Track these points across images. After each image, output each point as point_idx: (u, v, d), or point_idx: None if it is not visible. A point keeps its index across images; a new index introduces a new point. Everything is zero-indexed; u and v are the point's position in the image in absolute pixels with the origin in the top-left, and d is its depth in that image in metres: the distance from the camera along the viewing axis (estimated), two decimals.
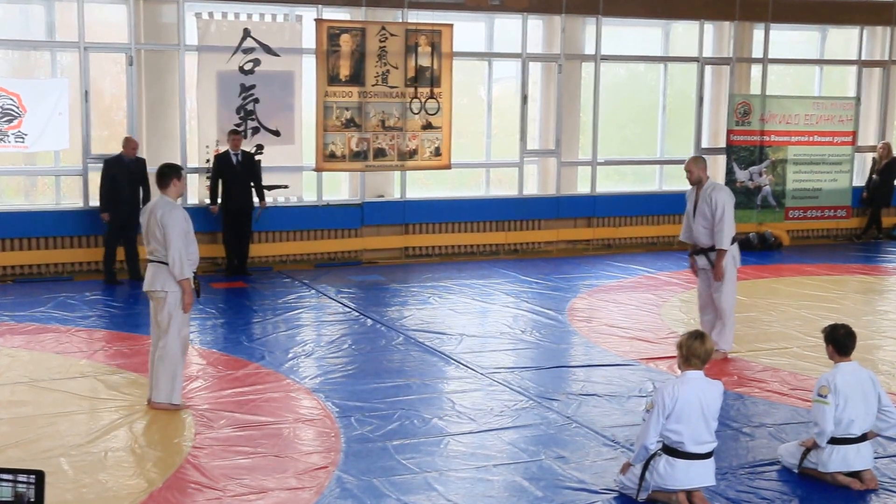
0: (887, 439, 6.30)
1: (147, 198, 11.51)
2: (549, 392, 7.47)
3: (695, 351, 5.38)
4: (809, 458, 5.85)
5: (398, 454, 6.13)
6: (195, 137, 12.15)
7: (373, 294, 11.15)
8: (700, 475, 5.37)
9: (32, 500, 2.51)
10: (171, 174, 6.94)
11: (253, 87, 12.19)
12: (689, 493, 5.38)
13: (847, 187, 15.52)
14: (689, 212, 8.44)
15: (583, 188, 14.53)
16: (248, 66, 12.16)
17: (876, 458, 5.96)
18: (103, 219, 11.39)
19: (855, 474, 5.78)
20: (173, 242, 6.75)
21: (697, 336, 5.43)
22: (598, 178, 14.46)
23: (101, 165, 11.55)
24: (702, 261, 8.47)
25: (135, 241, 11.55)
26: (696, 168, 8.32)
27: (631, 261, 13.32)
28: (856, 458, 5.76)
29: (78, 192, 12.02)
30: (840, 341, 5.89)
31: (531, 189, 14.35)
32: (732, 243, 8.38)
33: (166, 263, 6.80)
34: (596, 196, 14.42)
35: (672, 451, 5.36)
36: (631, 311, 10.29)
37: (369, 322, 9.68)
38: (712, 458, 5.42)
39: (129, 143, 11.35)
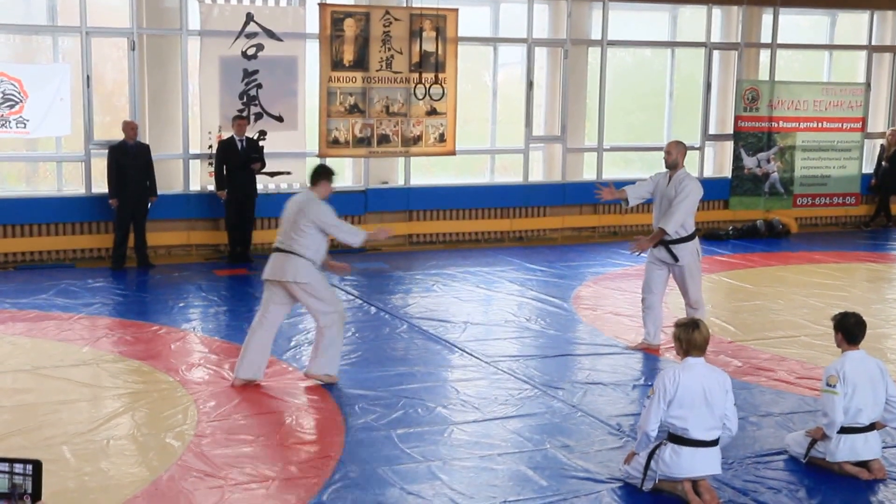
0: (895, 429, 6.23)
1: (153, 183, 11.46)
2: (554, 381, 7.41)
3: (692, 340, 5.35)
4: (817, 447, 5.79)
5: (402, 443, 6.08)
6: (197, 123, 12.08)
7: (376, 282, 11.09)
8: (706, 463, 5.32)
9: (29, 491, 2.44)
10: (323, 176, 7.27)
11: (256, 72, 12.11)
12: (694, 483, 5.33)
13: (856, 174, 15.42)
14: (661, 195, 8.06)
15: (589, 175, 14.44)
16: (250, 51, 12.07)
17: (884, 447, 5.90)
18: (111, 205, 11.35)
19: (863, 464, 5.72)
20: (326, 223, 7.06)
21: (692, 325, 5.38)
22: (604, 164, 14.37)
23: (103, 151, 11.54)
24: (661, 253, 8.09)
25: (144, 228, 11.52)
26: (675, 151, 8.03)
27: None
28: (864, 447, 5.70)
29: (80, 179, 11.96)
30: (850, 330, 5.81)
31: (536, 176, 14.27)
32: (694, 237, 8.08)
33: (297, 254, 7.00)
34: (602, 183, 14.27)
35: (677, 438, 5.31)
36: (637, 300, 10.13)
37: (373, 310, 9.62)
38: (718, 447, 5.37)
39: (128, 127, 11.30)
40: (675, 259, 8.05)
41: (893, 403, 5.78)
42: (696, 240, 8.17)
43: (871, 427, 5.74)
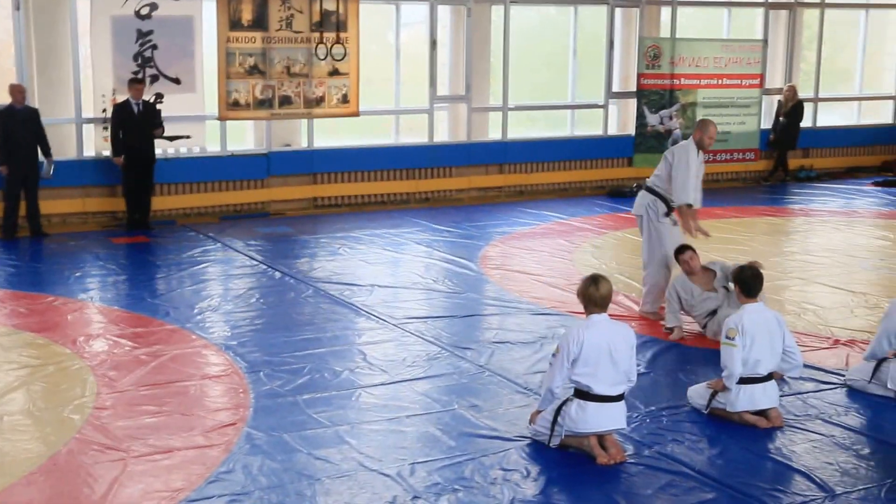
0: (792, 379, 6.42)
1: (45, 148, 11.02)
2: (462, 341, 7.42)
3: (590, 296, 5.39)
4: (717, 398, 5.93)
5: (309, 408, 6.01)
6: (90, 86, 11.64)
7: (281, 246, 10.91)
8: (611, 418, 5.39)
9: None
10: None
11: (150, 32, 11.70)
12: (600, 437, 5.39)
13: (755, 130, 15.73)
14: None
15: (494, 134, 14.43)
16: (144, 11, 11.65)
17: (781, 396, 6.07)
18: (1, 172, 10.89)
19: (761, 413, 5.87)
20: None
21: (592, 281, 5.42)
22: (509, 123, 14.37)
23: None
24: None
25: (36, 196, 11.08)
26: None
27: (543, 207, 13.31)
28: (762, 397, 5.85)
29: None
30: (747, 283, 5.96)
31: (441, 136, 14.21)
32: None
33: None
34: (507, 142, 14.34)
35: (583, 394, 5.36)
36: (543, 258, 10.29)
37: (277, 275, 9.48)
38: (623, 402, 5.44)
39: (15, 90, 10.83)
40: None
41: (790, 353, 5.95)
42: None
43: (769, 377, 5.90)
